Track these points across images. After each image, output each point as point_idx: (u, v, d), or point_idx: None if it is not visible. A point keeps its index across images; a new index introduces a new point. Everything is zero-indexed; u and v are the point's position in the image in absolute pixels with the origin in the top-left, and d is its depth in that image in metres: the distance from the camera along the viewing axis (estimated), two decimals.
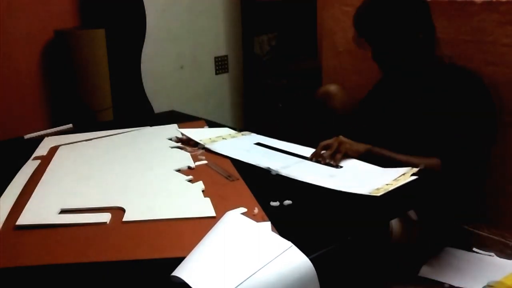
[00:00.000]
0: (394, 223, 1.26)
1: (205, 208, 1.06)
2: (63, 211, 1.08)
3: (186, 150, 1.45)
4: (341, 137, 1.36)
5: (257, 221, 0.96)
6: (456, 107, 1.32)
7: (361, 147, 1.34)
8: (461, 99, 1.33)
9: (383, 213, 1.10)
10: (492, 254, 1.44)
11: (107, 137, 1.62)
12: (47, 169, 1.33)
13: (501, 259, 1.42)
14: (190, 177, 1.24)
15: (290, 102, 2.90)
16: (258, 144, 1.51)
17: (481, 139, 1.34)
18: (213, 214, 1.03)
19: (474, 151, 1.33)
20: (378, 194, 1.07)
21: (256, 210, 1.03)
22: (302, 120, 1.58)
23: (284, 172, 1.26)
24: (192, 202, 1.11)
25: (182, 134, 1.56)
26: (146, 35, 2.51)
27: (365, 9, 1.41)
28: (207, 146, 1.45)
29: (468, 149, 1.31)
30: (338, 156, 1.32)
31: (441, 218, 1.40)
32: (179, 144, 1.51)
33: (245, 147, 1.48)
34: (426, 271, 1.33)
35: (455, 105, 1.33)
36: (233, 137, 1.57)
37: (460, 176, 1.32)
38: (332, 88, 1.59)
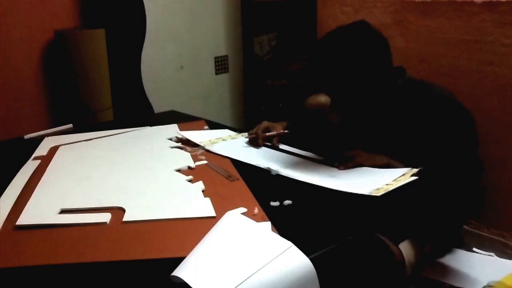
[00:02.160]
0: (408, 261, 1.26)
1: (205, 208, 1.06)
2: (63, 211, 1.08)
3: (186, 150, 1.45)
4: (360, 151, 1.32)
5: (257, 221, 0.96)
6: (432, 129, 1.28)
7: (379, 160, 1.29)
8: (436, 120, 1.28)
9: (383, 213, 1.10)
10: (492, 254, 1.44)
11: (107, 137, 1.62)
12: (47, 169, 1.33)
13: (501, 259, 1.42)
14: (190, 177, 1.24)
15: (290, 102, 2.89)
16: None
17: (469, 154, 1.31)
18: (213, 214, 1.03)
19: (467, 164, 1.30)
20: (378, 194, 1.07)
21: (256, 210, 1.03)
22: (301, 123, 1.53)
23: (284, 172, 1.26)
24: (192, 202, 1.11)
25: (182, 136, 1.56)
26: (146, 35, 2.51)
27: (321, 57, 1.30)
28: (207, 147, 1.45)
29: (461, 165, 1.29)
30: (349, 164, 1.30)
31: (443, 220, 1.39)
32: (179, 144, 1.51)
33: (245, 148, 1.48)
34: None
35: (431, 127, 1.28)
36: (233, 138, 1.57)
37: (464, 190, 1.29)
38: (324, 99, 1.52)
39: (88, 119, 2.30)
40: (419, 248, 1.30)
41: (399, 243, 1.26)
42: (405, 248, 1.26)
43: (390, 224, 1.18)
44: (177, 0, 2.79)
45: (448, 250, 1.43)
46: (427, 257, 1.36)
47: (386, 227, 1.18)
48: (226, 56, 3.09)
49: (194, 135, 1.55)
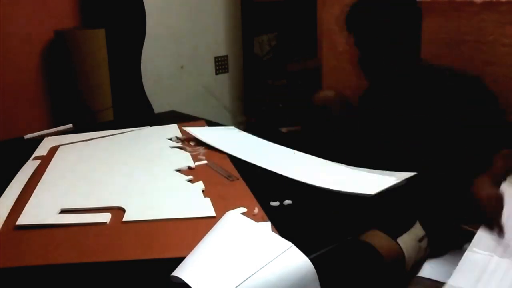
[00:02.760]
0: (408, 257, 1.26)
1: (205, 208, 1.06)
2: (63, 211, 1.07)
3: (186, 150, 1.45)
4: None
5: (257, 221, 0.96)
6: (459, 113, 1.29)
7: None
8: (464, 104, 1.30)
9: (382, 213, 1.10)
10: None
11: (107, 137, 1.62)
12: (47, 169, 1.33)
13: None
14: (190, 177, 1.24)
15: (290, 102, 2.89)
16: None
17: (491, 144, 1.32)
18: (213, 214, 1.03)
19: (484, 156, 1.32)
20: (372, 193, 1.07)
21: (256, 210, 1.03)
22: (301, 122, 1.54)
23: (283, 171, 1.26)
24: (192, 202, 1.11)
25: (184, 133, 1.56)
26: (146, 35, 2.51)
27: (359, 5, 1.41)
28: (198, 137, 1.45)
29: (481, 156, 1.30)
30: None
31: (442, 219, 1.40)
32: (179, 144, 1.51)
33: (238, 140, 1.48)
34: (426, 271, 1.33)
35: (458, 110, 1.30)
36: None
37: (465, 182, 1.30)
38: (330, 94, 1.53)
39: (88, 119, 2.30)
40: (418, 242, 1.30)
41: (398, 237, 1.26)
42: (405, 242, 1.26)
43: (389, 218, 1.18)
44: (177, 0, 2.79)
45: (447, 250, 1.43)
46: (427, 256, 1.36)
47: (385, 222, 1.18)
48: (226, 56, 3.09)
49: (196, 131, 1.54)
